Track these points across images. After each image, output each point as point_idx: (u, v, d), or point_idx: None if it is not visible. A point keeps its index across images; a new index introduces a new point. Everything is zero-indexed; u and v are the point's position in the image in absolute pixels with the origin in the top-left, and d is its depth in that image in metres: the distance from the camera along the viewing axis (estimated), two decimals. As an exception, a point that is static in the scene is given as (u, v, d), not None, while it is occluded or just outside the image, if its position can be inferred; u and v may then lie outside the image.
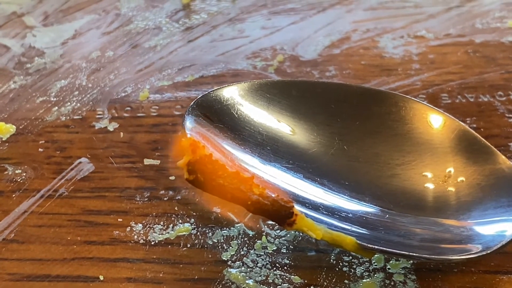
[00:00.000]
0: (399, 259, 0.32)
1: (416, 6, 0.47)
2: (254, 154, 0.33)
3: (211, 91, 0.34)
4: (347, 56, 0.43)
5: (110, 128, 0.39)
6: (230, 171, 0.30)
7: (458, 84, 0.41)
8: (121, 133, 0.39)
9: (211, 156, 0.30)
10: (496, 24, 0.45)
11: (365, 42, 0.44)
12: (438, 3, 0.47)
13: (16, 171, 0.37)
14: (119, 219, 0.35)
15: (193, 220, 0.34)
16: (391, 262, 0.32)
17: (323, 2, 0.48)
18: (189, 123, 0.33)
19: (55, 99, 0.41)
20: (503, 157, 0.33)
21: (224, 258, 0.33)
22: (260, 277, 0.32)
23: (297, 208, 0.30)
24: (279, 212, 0.30)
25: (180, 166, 0.30)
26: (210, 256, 0.33)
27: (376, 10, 0.47)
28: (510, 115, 0.39)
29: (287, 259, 0.33)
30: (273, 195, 0.30)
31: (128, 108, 0.40)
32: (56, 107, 0.41)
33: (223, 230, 0.34)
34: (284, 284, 0.32)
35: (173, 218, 0.35)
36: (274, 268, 0.32)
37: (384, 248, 0.30)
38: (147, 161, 0.37)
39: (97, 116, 0.40)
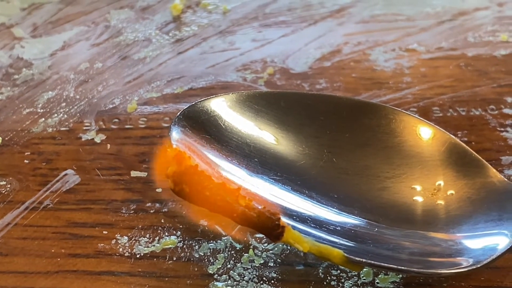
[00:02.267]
0: (388, 273, 0.32)
1: (408, 20, 0.47)
2: (241, 166, 0.33)
3: (198, 102, 0.34)
4: (338, 69, 0.43)
5: (97, 140, 0.39)
6: (216, 182, 0.30)
7: (450, 98, 0.40)
8: (108, 145, 0.39)
9: (197, 167, 0.30)
10: (488, 37, 0.45)
11: (356, 55, 0.44)
12: (430, 17, 0.47)
13: (1, 183, 0.37)
14: (104, 232, 0.34)
15: (179, 233, 0.34)
16: (380, 276, 0.32)
17: (314, 15, 0.47)
18: (175, 133, 0.32)
19: (42, 110, 0.41)
20: (494, 170, 0.33)
21: (210, 272, 0.32)
22: (246, 291, 0.32)
23: (284, 220, 0.30)
24: (266, 224, 0.29)
25: (165, 175, 0.30)
26: (196, 269, 0.33)
27: (367, 23, 0.47)
28: (502, 129, 0.38)
29: (275, 273, 0.32)
30: (259, 207, 0.29)
31: (116, 120, 0.40)
32: (43, 119, 0.40)
33: (210, 243, 0.33)
34: (271, 298, 0.31)
35: (159, 231, 0.34)
36: (261, 282, 0.32)
37: (372, 262, 0.30)
38: (134, 173, 0.37)
39: (84, 128, 0.40)
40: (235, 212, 0.29)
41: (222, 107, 0.34)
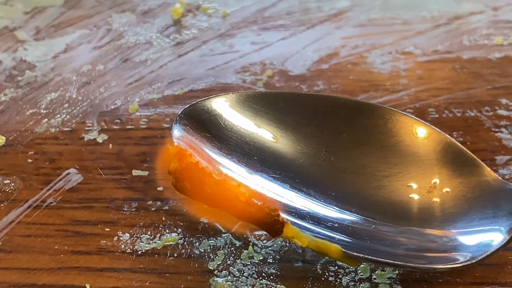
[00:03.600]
0: (385, 269, 0.32)
1: (405, 23, 0.47)
2: (241, 164, 0.34)
3: (199, 101, 0.35)
4: (335, 71, 0.44)
5: (99, 140, 0.39)
6: (216, 179, 0.30)
7: (445, 99, 0.41)
8: (110, 145, 0.39)
9: (198, 164, 0.30)
10: (483, 41, 0.45)
11: (354, 58, 0.45)
12: (426, 21, 0.47)
13: (5, 182, 0.37)
14: (106, 229, 0.35)
15: (180, 230, 0.35)
16: (376, 272, 0.32)
17: (312, 19, 0.48)
18: (176, 131, 0.33)
19: (45, 111, 0.41)
20: (489, 169, 0.34)
21: (210, 268, 0.33)
22: (246, 287, 0.32)
23: (283, 216, 0.30)
24: (265, 219, 0.30)
25: (167, 172, 0.30)
26: (196, 265, 0.33)
27: (365, 27, 0.47)
28: (497, 130, 0.39)
29: (274, 269, 0.33)
30: (259, 203, 0.30)
31: (118, 121, 0.41)
32: (46, 119, 0.41)
33: (210, 240, 0.34)
34: (270, 293, 0.32)
35: (160, 228, 0.35)
36: (261, 278, 0.32)
37: (369, 257, 0.30)
38: (135, 172, 0.37)
39: (87, 128, 0.40)
40: (235, 208, 0.30)
41: (223, 107, 0.35)
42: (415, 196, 0.33)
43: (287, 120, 0.35)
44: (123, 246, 0.34)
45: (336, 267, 0.33)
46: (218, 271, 0.33)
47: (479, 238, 0.32)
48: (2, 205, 0.36)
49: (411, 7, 0.49)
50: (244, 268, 0.33)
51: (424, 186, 0.34)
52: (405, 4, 0.49)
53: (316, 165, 0.34)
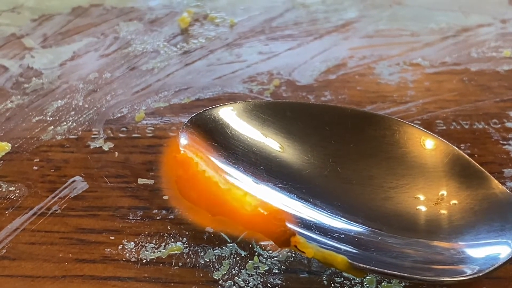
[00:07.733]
0: (391, 280, 0.32)
1: (413, 35, 0.47)
2: (247, 173, 0.33)
3: (206, 110, 0.34)
4: (343, 82, 0.43)
5: (105, 148, 0.39)
6: (223, 188, 0.30)
7: (453, 111, 0.41)
8: (116, 153, 0.39)
9: (204, 173, 0.30)
10: (491, 53, 0.45)
11: (361, 69, 0.44)
12: (435, 32, 0.47)
13: (10, 189, 0.37)
14: (111, 238, 0.35)
15: (185, 239, 0.34)
16: (383, 284, 0.32)
17: (320, 29, 0.48)
18: (183, 140, 0.33)
19: (51, 118, 0.41)
20: (496, 181, 0.33)
21: (215, 278, 0.33)
22: (251, 297, 0.32)
23: (289, 226, 0.30)
24: (272, 229, 0.30)
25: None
26: (201, 275, 0.33)
27: (372, 38, 0.47)
28: (505, 142, 0.39)
29: (279, 280, 0.33)
30: (265, 213, 0.30)
31: (124, 129, 0.41)
32: (52, 127, 0.41)
33: (215, 249, 0.34)
34: (275, 304, 0.32)
35: (165, 237, 0.34)
36: (266, 288, 0.32)
37: (376, 268, 0.30)
38: (141, 181, 0.37)
39: (93, 136, 0.40)
40: (241, 217, 0.30)
41: (229, 116, 0.35)
42: (422, 208, 0.33)
43: (294, 130, 0.35)
44: (127, 254, 0.34)
45: (342, 279, 0.32)
46: (223, 281, 0.33)
47: (486, 251, 0.31)
48: (7, 212, 0.36)
49: (419, 19, 0.49)
50: (249, 278, 0.33)
51: (432, 198, 0.33)
52: (413, 15, 0.49)
53: (323, 175, 0.34)
